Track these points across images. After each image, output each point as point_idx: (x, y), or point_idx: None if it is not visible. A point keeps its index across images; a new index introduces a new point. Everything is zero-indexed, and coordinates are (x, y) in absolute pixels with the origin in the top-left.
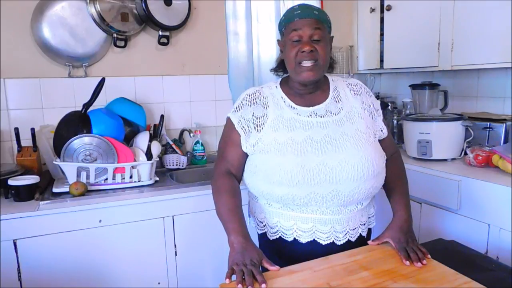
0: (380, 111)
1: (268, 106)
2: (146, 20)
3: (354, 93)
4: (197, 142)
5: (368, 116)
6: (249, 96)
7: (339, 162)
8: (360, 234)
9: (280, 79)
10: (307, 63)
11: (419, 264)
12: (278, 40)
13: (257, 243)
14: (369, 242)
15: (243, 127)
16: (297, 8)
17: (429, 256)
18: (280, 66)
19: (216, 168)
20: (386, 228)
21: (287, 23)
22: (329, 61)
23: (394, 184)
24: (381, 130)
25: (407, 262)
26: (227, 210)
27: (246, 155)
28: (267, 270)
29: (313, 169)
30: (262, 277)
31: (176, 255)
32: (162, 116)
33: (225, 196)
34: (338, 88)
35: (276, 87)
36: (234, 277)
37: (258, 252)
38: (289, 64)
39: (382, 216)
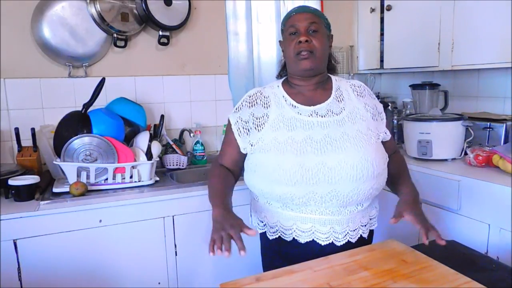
0: (384, 115)
1: (269, 105)
2: (146, 20)
3: (357, 95)
4: (197, 142)
5: (370, 118)
6: (250, 97)
7: (339, 162)
8: (361, 235)
9: (283, 79)
10: (304, 53)
11: (443, 241)
12: (280, 41)
13: (258, 244)
14: (390, 222)
15: (239, 128)
16: (295, 7)
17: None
18: (284, 69)
19: (215, 161)
20: (396, 206)
21: (285, 20)
22: (329, 59)
23: (397, 174)
24: (386, 133)
25: (427, 241)
26: (214, 190)
27: (244, 155)
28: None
29: (312, 169)
30: (242, 244)
31: (176, 255)
32: (162, 116)
33: (215, 179)
34: (341, 88)
35: (278, 86)
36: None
37: (238, 220)
38: (288, 58)
39: (384, 218)
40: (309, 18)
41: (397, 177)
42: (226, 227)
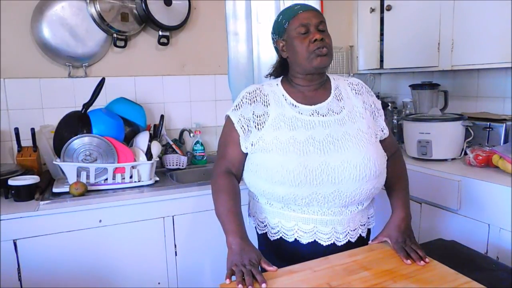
0: (382, 111)
1: (269, 104)
2: (146, 20)
3: (356, 93)
4: (197, 142)
5: (369, 116)
6: (249, 94)
7: (341, 162)
8: (360, 234)
9: (281, 77)
10: (321, 50)
11: (421, 262)
12: (278, 41)
13: (255, 243)
14: (369, 242)
15: (242, 126)
16: (296, 5)
17: (427, 259)
18: (277, 71)
19: (216, 167)
20: (384, 227)
21: (290, 18)
22: None
23: (394, 182)
24: (382, 130)
25: (408, 261)
26: (225, 211)
27: (246, 154)
28: (265, 270)
29: (315, 169)
30: (262, 277)
31: (176, 255)
32: (162, 116)
33: (225, 196)
34: (340, 87)
35: (277, 84)
36: (233, 278)
37: (256, 253)
38: (300, 56)
39: (382, 216)
40: (318, 17)
41: (392, 184)
42: (246, 263)
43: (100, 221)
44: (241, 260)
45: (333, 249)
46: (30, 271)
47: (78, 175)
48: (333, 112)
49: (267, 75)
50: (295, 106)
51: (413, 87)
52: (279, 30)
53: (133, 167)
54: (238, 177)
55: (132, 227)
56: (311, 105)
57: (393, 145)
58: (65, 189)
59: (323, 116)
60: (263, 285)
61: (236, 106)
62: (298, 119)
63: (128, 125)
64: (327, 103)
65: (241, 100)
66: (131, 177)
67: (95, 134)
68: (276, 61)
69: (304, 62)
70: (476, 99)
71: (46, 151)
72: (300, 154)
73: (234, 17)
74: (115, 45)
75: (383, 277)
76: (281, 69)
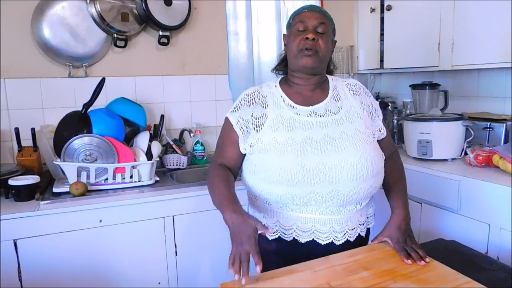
0: (380, 112)
1: (267, 105)
2: (146, 20)
3: (353, 93)
4: (197, 142)
5: (367, 116)
6: (248, 96)
7: (339, 161)
8: (359, 234)
9: (279, 78)
10: (308, 51)
11: (422, 262)
12: (284, 35)
13: None
14: (370, 242)
15: (241, 127)
16: (306, 5)
17: (427, 259)
18: (281, 64)
19: (213, 161)
20: (384, 227)
21: (294, 15)
22: (329, 62)
23: (393, 182)
24: (380, 131)
25: (409, 261)
26: (218, 193)
27: (244, 155)
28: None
29: (313, 169)
30: (258, 258)
31: (176, 255)
32: (162, 116)
33: (218, 181)
34: (338, 87)
35: (275, 86)
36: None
37: (252, 227)
38: (291, 52)
39: (381, 216)
40: (319, 18)
41: (391, 184)
42: (244, 239)
43: (100, 221)
44: (240, 238)
45: (331, 248)
46: (30, 271)
47: (78, 175)
48: (330, 112)
49: (272, 70)
50: (293, 107)
51: (413, 87)
52: (287, 26)
53: (133, 167)
54: (234, 174)
55: (132, 227)
56: (308, 105)
57: (390, 146)
58: (65, 189)
59: (320, 116)
60: (257, 268)
61: (235, 108)
62: (296, 120)
63: (128, 125)
64: (324, 104)
65: (240, 102)
66: (131, 177)
67: (95, 134)
68: (282, 52)
69: (293, 59)
70: (476, 99)
71: (46, 151)
72: (297, 154)
73: (234, 17)
74: (115, 45)
75: (383, 277)
76: (284, 64)
